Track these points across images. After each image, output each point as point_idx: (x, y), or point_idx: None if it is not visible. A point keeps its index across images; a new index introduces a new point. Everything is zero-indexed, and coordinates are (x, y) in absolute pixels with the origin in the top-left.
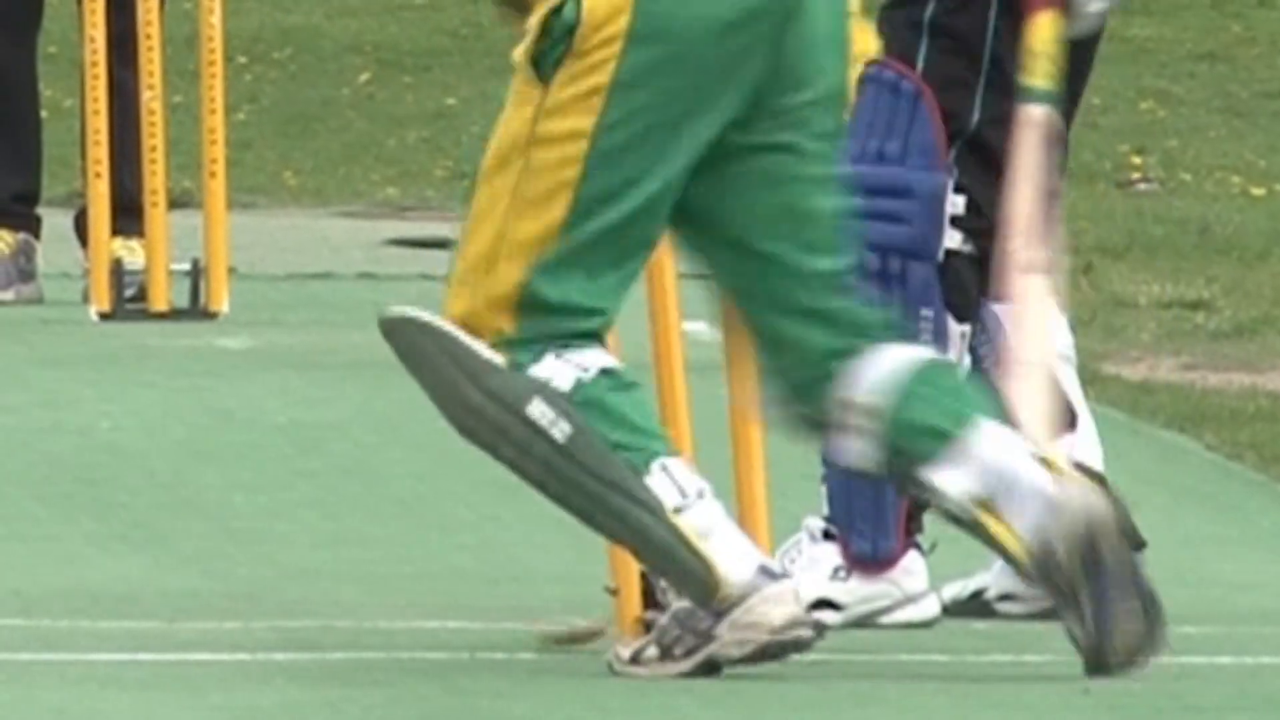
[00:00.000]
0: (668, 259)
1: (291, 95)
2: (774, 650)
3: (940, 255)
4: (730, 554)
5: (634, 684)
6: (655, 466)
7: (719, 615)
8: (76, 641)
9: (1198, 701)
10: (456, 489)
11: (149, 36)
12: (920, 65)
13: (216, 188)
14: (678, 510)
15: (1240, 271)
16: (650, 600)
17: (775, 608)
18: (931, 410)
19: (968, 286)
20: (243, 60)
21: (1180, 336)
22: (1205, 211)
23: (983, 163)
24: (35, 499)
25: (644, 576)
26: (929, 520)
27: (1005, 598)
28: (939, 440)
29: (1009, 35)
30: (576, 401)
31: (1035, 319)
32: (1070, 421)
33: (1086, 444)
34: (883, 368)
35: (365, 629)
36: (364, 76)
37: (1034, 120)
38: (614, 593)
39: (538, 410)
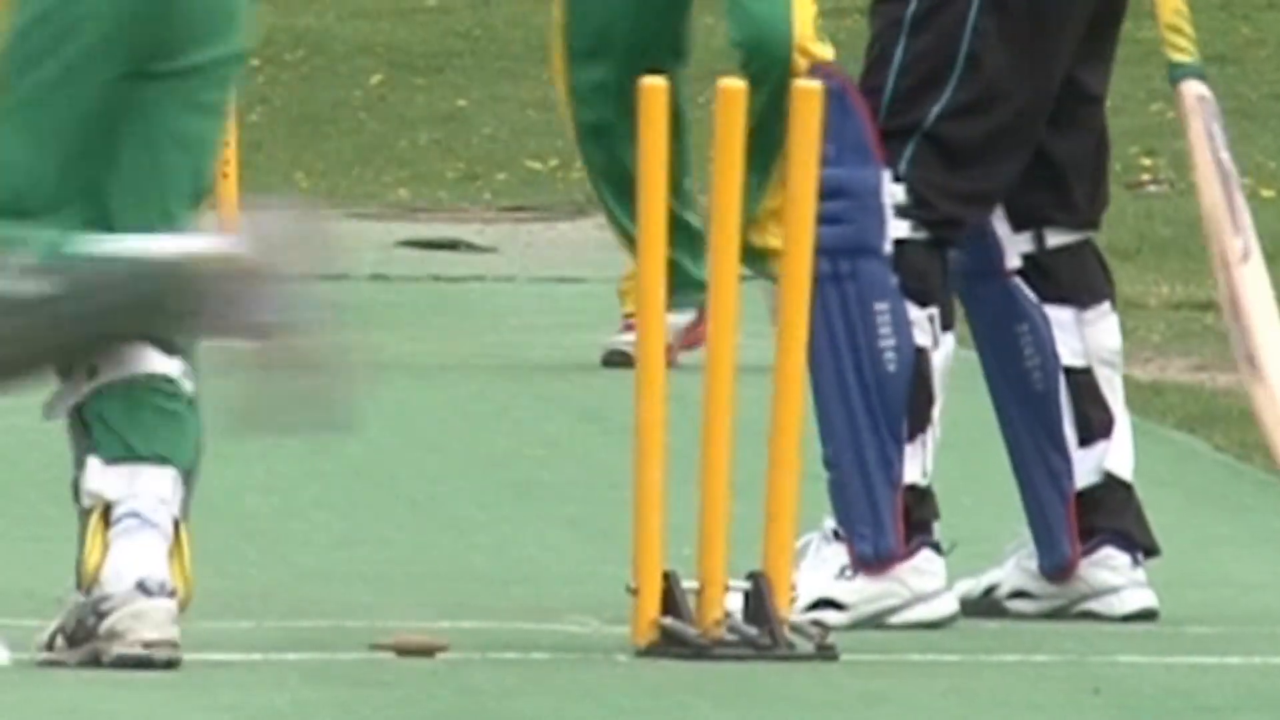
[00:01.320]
0: (728, 265)
1: (303, 97)
2: (144, 661)
3: (888, 247)
4: (124, 558)
5: (646, 684)
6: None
7: (100, 616)
8: None
9: (1208, 701)
10: (469, 490)
11: None
12: (896, 63)
13: (229, 189)
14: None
15: None
16: (669, 602)
17: (148, 627)
18: None
19: (925, 271)
20: (255, 62)
21: (1190, 337)
22: None
23: (938, 156)
24: (49, 500)
25: (665, 578)
26: (946, 519)
27: (1017, 594)
28: None
29: (989, 32)
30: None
31: (1264, 310)
32: (1107, 427)
33: (1121, 451)
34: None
35: (378, 629)
36: (376, 78)
37: (1193, 98)
38: (634, 593)
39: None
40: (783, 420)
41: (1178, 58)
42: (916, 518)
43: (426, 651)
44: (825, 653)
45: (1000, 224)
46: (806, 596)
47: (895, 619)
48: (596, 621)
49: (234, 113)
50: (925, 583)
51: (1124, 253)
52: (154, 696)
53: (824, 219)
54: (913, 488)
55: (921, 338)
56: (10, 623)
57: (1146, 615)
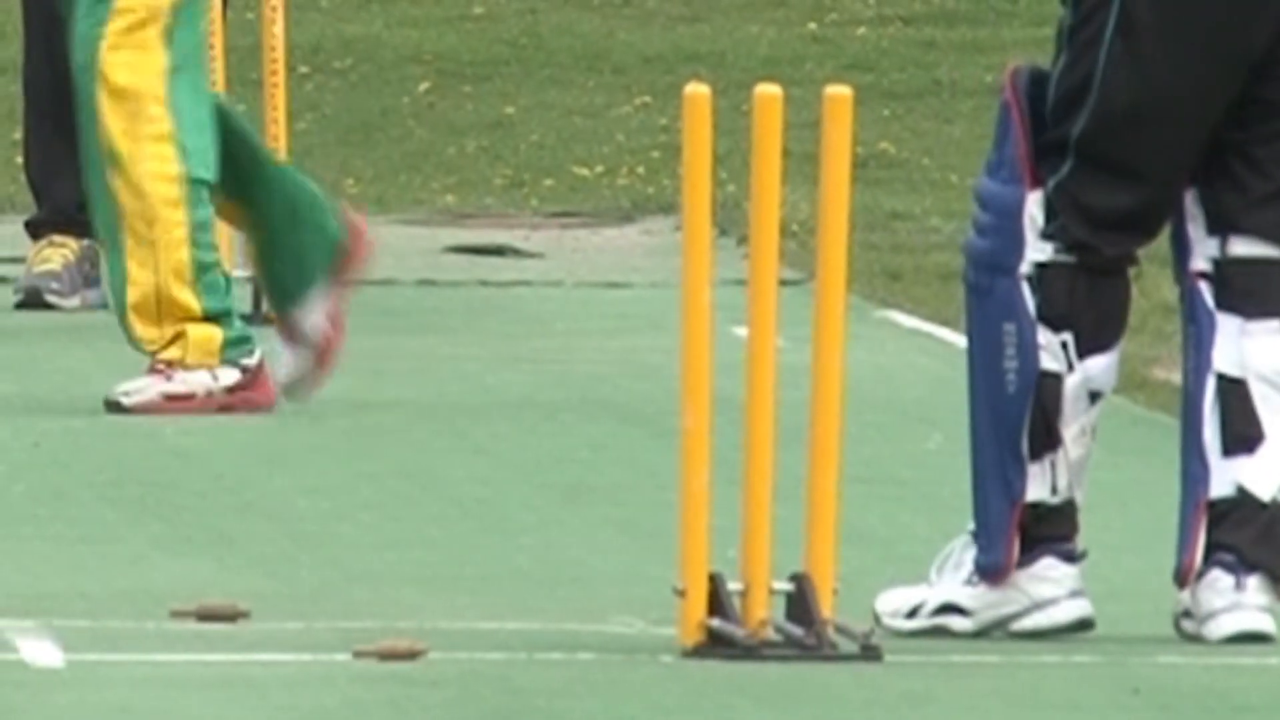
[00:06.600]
0: (768, 267)
1: (352, 104)
2: None
3: (1025, 268)
4: None
5: (691, 684)
6: None
7: None
8: (142, 643)
9: (1247, 701)
10: (517, 492)
11: (212, 46)
12: (1056, 74)
13: None
14: None
15: None
16: (715, 604)
17: None
18: None
19: (1058, 297)
20: (304, 70)
21: None
22: None
23: (1079, 177)
24: (102, 502)
25: (712, 579)
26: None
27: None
28: None
29: (1120, 53)
30: None
31: None
32: (1252, 443)
33: (1262, 470)
34: None
35: (426, 630)
36: (424, 86)
37: None
38: (681, 594)
39: None
40: (822, 423)
41: None
42: (1036, 534)
43: (411, 655)
44: (869, 653)
45: (1195, 226)
46: (935, 600)
47: (1016, 626)
48: (642, 622)
49: (283, 120)
50: (1044, 590)
51: (1163, 258)
52: (205, 696)
53: (974, 227)
54: (1036, 505)
55: (1050, 362)
56: (63, 624)
57: (1245, 638)
